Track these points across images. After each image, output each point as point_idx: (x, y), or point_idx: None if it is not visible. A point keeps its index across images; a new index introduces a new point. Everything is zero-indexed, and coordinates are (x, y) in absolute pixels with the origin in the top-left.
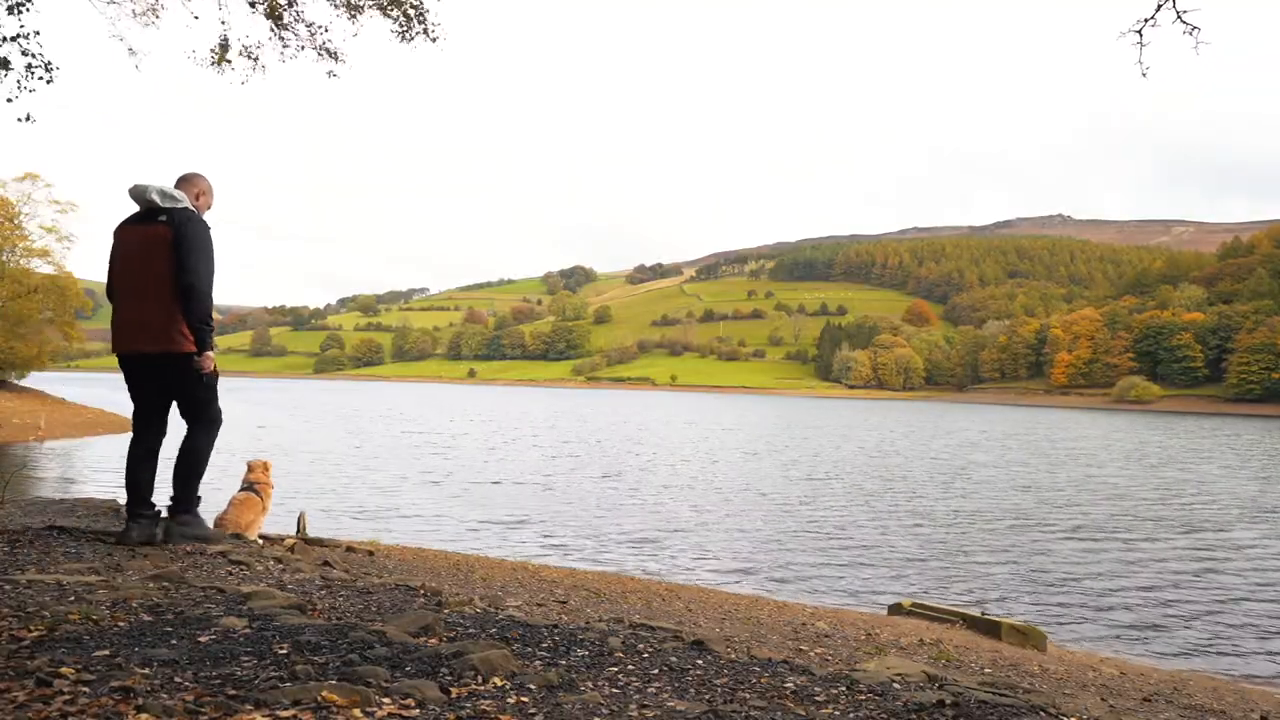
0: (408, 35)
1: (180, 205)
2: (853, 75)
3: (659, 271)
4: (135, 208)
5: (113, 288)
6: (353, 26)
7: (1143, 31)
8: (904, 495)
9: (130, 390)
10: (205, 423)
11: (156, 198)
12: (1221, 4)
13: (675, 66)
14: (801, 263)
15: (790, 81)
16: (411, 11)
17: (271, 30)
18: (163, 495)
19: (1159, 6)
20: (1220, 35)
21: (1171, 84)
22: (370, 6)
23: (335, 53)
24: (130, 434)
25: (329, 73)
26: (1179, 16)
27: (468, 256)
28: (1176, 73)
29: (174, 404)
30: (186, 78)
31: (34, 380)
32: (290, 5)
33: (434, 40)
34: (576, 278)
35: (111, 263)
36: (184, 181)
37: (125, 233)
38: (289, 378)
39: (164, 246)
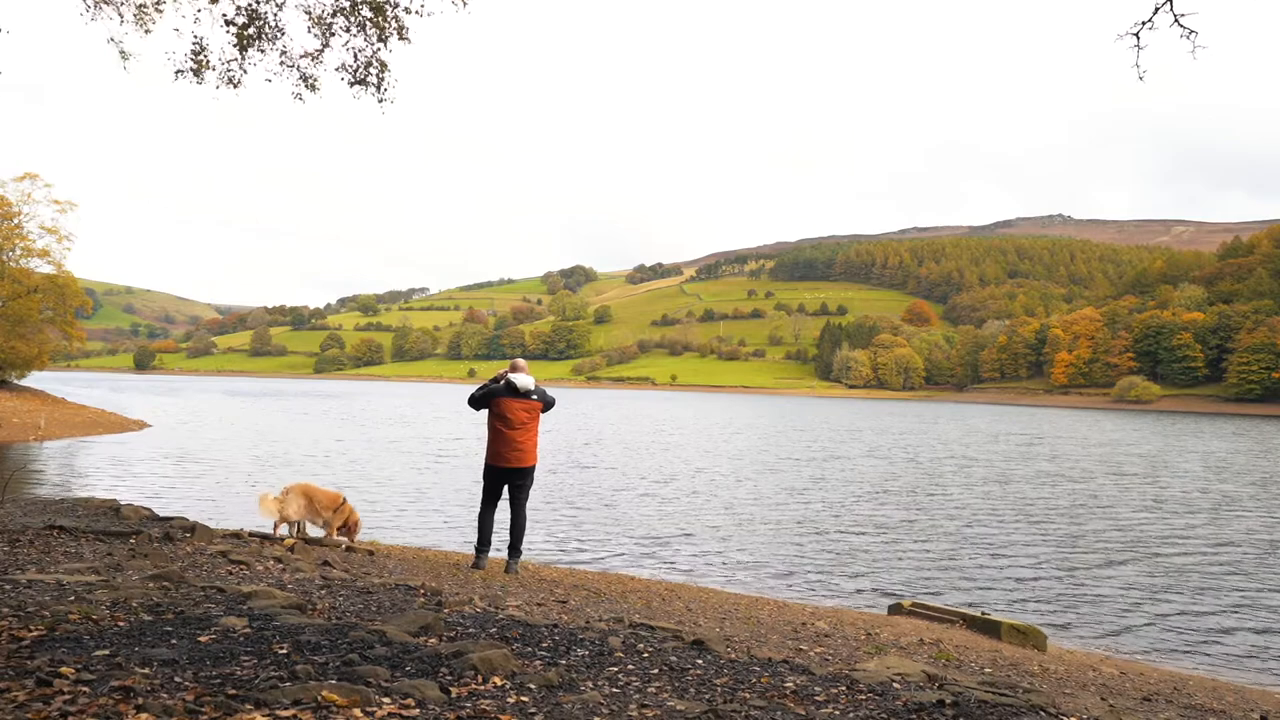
0: (363, 83)
1: (536, 386)
2: (852, 74)
3: (659, 271)
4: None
5: (506, 423)
6: (320, 59)
7: (1140, 35)
8: (905, 495)
9: (491, 482)
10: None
11: (533, 387)
12: (1220, 1)
13: (675, 66)
14: (801, 262)
15: (790, 81)
16: (373, 73)
17: (241, 54)
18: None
19: (1156, 9)
20: (1220, 33)
21: (1171, 82)
22: (338, 31)
23: (311, 80)
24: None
25: (295, 95)
26: (1176, 20)
27: (468, 256)
28: (1176, 71)
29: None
30: (185, 77)
31: (34, 380)
32: (261, 33)
33: (381, 101)
34: (576, 278)
35: (504, 413)
36: (523, 369)
37: (512, 402)
38: (289, 377)
39: (538, 410)
